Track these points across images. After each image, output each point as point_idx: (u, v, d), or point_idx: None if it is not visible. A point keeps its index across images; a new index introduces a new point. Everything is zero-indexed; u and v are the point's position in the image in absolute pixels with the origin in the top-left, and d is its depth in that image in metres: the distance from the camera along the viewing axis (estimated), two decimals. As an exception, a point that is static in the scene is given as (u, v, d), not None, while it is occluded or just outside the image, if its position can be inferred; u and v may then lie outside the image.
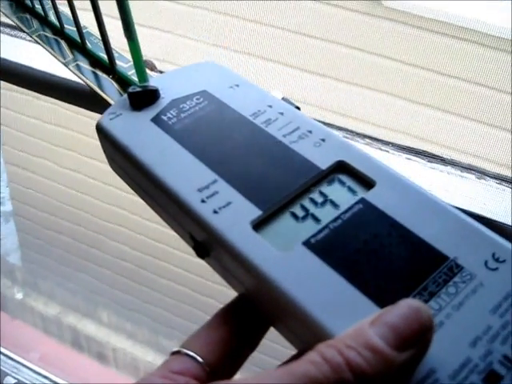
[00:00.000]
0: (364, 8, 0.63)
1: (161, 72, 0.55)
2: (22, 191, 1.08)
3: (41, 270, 1.14)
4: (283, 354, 0.21)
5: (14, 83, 0.52)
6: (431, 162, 0.44)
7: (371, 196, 0.22)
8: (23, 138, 1.01)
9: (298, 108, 0.26)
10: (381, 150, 0.46)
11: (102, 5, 0.28)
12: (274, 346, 0.63)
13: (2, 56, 0.47)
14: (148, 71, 0.28)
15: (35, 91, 0.51)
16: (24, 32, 0.34)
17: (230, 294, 0.23)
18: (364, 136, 0.47)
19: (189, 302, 0.94)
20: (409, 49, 0.63)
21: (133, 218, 0.96)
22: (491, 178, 0.43)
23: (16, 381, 1.01)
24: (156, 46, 0.83)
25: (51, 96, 0.49)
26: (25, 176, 1.05)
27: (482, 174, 0.43)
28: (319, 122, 0.26)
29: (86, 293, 1.07)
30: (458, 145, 0.64)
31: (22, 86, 0.51)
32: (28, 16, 0.36)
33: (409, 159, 0.45)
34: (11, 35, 0.51)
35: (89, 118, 0.79)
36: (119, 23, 0.26)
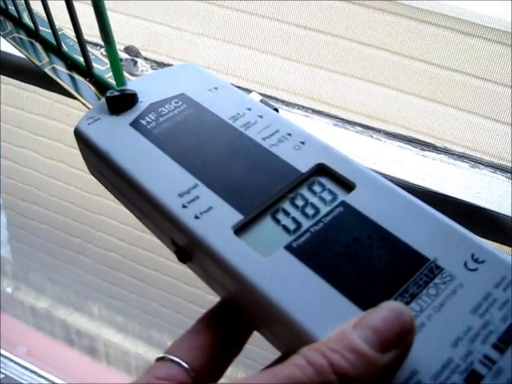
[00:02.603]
0: (365, 1, 0.62)
1: (145, 59, 0.54)
2: (9, 183, 1.07)
3: (31, 263, 1.13)
4: (266, 358, 0.21)
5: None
6: (424, 150, 0.44)
7: (351, 199, 0.22)
8: (6, 128, 1.00)
9: (277, 110, 0.26)
10: (372, 137, 0.45)
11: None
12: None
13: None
14: (126, 74, 0.27)
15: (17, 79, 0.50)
16: (-3, 34, 0.34)
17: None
18: (355, 124, 0.46)
19: (176, 292, 0.94)
20: (405, 41, 0.62)
21: (119, 208, 0.95)
22: (485, 166, 0.43)
23: (3, 376, 1.01)
24: (140, 36, 0.82)
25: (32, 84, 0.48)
26: (9, 167, 1.04)
27: (475, 162, 0.43)
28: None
29: (76, 286, 1.07)
30: (458, 138, 0.63)
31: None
32: (1, 18, 0.35)
33: (401, 147, 0.44)
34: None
35: (71, 108, 0.78)
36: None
